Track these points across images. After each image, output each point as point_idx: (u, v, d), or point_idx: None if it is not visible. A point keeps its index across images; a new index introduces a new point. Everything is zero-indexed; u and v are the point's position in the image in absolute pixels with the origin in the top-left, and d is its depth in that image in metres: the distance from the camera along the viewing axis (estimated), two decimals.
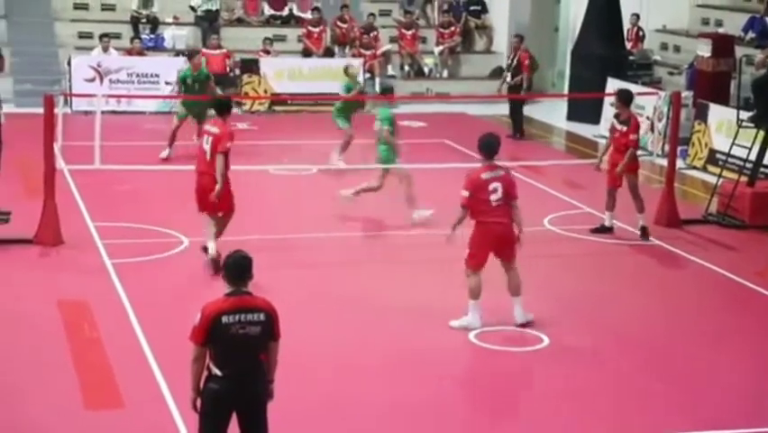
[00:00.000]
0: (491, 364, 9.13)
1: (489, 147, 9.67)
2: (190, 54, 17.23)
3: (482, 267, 9.52)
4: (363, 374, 8.81)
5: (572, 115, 20.35)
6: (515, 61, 18.73)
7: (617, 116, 12.82)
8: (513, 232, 9.52)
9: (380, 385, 8.58)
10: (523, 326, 9.63)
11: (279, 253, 11.60)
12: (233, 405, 6.25)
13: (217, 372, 6.17)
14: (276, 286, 10.76)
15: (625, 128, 12.52)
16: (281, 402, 6.65)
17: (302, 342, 9.14)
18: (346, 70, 16.12)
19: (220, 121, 10.88)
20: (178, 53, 21.14)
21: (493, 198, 9.42)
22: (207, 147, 10.69)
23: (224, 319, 6.11)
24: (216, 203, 10.76)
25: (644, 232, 12.65)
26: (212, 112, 11.93)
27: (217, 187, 10.58)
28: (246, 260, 6.24)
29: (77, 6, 22.40)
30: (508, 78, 18.84)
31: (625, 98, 12.78)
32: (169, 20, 22.18)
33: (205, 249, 10.84)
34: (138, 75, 19.92)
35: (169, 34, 21.85)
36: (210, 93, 15.72)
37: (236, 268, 6.21)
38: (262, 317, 6.18)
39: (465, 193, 9.46)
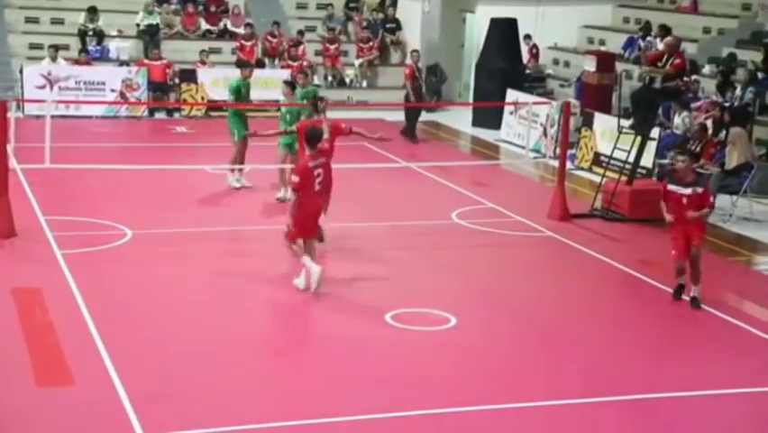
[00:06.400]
0: (404, 341, 9.14)
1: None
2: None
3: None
4: (288, 351, 8.77)
5: (477, 122, 20.54)
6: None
7: None
8: None
9: (309, 361, 8.56)
10: None
11: (219, 243, 11.46)
12: None
13: None
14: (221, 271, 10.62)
15: None
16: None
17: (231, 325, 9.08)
18: None
19: None
20: (122, 63, 20.96)
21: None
22: None
23: None
24: None
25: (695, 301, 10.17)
26: None
27: None
28: None
29: (28, 20, 21.94)
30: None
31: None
32: (114, 33, 21.86)
33: None
34: (85, 83, 19.64)
35: (114, 46, 21.57)
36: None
37: None
38: None
39: None
